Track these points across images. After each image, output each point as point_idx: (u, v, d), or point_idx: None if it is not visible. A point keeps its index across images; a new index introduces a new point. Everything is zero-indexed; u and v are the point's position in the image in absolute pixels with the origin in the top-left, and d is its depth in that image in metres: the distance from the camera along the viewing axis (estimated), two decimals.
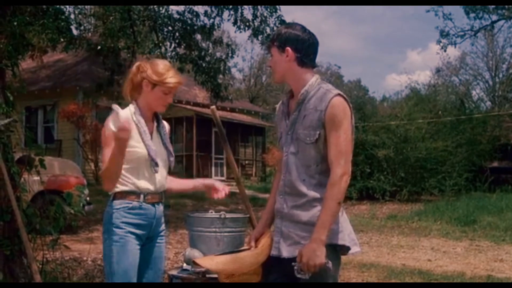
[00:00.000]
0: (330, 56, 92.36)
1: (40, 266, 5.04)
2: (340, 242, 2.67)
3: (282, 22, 14.44)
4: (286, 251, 2.67)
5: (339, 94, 2.65)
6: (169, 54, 16.32)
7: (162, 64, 3.25)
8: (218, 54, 17.84)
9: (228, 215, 3.02)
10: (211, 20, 15.07)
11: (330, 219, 2.56)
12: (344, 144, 2.61)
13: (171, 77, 3.21)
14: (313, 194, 2.65)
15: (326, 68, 49.89)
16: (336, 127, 2.60)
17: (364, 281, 7.07)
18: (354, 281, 7.01)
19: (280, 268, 2.68)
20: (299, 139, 2.70)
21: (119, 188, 3.06)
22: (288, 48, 2.71)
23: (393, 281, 7.03)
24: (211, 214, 3.17)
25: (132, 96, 3.26)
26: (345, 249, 2.72)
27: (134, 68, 3.27)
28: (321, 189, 2.64)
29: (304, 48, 2.73)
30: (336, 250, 2.69)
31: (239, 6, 14.40)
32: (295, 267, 2.57)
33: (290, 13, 36.19)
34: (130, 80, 3.25)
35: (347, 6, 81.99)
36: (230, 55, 16.44)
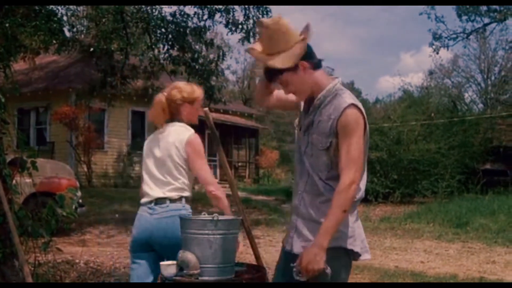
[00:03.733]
0: (323, 58, 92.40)
1: (32, 268, 5.01)
2: (349, 246, 2.68)
3: None
4: (297, 248, 2.71)
5: (352, 104, 2.64)
6: (162, 56, 16.30)
7: (185, 84, 3.80)
8: (211, 56, 17.80)
9: (221, 218, 3.01)
10: (202, 22, 15.05)
11: (333, 226, 2.57)
12: (354, 153, 2.60)
13: (199, 91, 3.79)
14: (328, 196, 2.65)
15: None
16: (347, 136, 2.61)
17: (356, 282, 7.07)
18: None
19: (290, 262, 2.69)
20: (313, 143, 2.72)
21: (188, 194, 3.72)
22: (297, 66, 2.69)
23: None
24: (204, 216, 3.16)
25: (164, 120, 3.81)
26: (356, 255, 2.74)
27: (162, 99, 3.74)
28: (333, 188, 2.65)
29: (308, 51, 2.72)
30: (348, 254, 2.71)
31: (230, 8, 14.36)
32: (294, 269, 2.59)
33: (286, 15, 36.10)
34: (163, 109, 3.75)
35: (342, 9, 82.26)
36: (221, 57, 16.39)
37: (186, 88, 3.75)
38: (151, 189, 3.69)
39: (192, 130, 3.80)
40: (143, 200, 3.71)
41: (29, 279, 4.05)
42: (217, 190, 3.64)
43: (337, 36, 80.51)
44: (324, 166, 2.70)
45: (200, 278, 2.93)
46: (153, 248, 3.61)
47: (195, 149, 3.78)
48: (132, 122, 22.49)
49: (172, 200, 3.64)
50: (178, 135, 3.75)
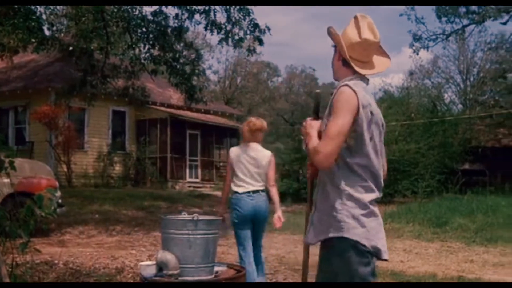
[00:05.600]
0: (305, 59, 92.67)
1: (10, 269, 4.95)
2: (354, 237, 2.64)
3: (255, 25, 14.44)
4: (311, 238, 2.77)
5: (346, 85, 2.69)
6: (143, 55, 16.22)
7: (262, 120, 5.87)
8: (193, 56, 17.75)
9: (201, 218, 3.00)
10: (182, 23, 15.00)
11: (308, 145, 2.68)
12: (333, 128, 2.59)
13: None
14: (330, 182, 2.69)
15: (301, 71, 50.06)
16: (334, 112, 2.63)
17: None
18: None
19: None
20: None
21: None
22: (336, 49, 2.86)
23: None
24: (184, 216, 3.15)
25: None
26: (374, 252, 2.69)
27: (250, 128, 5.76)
28: (334, 176, 2.67)
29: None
30: (356, 247, 2.65)
31: (211, 9, 14.33)
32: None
33: (265, 15, 36.26)
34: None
35: (324, 9, 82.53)
36: (198, 59, 16.38)
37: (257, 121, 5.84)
38: None
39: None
40: None
41: (7, 280, 4.00)
42: None
43: (319, 37, 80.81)
44: None
45: (179, 278, 2.92)
46: None
47: None
48: (113, 122, 22.34)
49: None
50: None
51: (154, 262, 3.01)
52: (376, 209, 2.73)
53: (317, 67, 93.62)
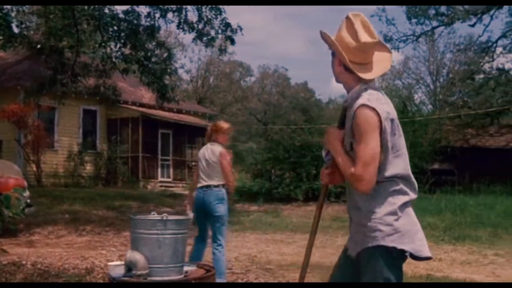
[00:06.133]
0: (278, 58, 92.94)
1: None
2: (391, 244, 2.65)
3: (227, 25, 14.43)
4: (352, 251, 2.77)
5: (363, 105, 2.64)
6: (114, 54, 16.09)
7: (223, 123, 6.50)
8: (165, 55, 17.66)
9: (170, 217, 3.00)
10: (154, 22, 14.92)
11: (339, 163, 2.71)
12: (364, 153, 2.59)
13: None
14: (358, 198, 2.71)
15: (273, 70, 50.14)
16: (359, 137, 2.63)
17: (307, 282, 7.12)
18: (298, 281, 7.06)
19: (349, 266, 2.79)
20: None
21: None
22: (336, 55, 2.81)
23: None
24: (153, 216, 3.14)
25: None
26: (403, 253, 2.69)
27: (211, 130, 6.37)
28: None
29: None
30: (390, 252, 2.66)
31: (183, 8, 14.28)
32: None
33: (237, 15, 36.27)
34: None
35: (295, 9, 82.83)
36: (169, 58, 16.31)
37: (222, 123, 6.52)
38: None
39: None
40: None
41: None
42: None
43: (290, 37, 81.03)
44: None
45: (148, 278, 2.91)
46: None
47: None
48: (84, 121, 22.12)
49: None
50: None
51: (123, 262, 2.99)
52: (409, 210, 2.75)
53: (289, 67, 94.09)
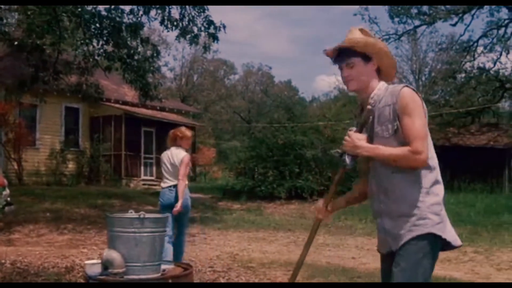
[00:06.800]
0: (261, 57, 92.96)
1: None
2: (438, 233, 2.75)
3: (210, 22, 14.39)
4: (394, 245, 2.79)
5: (406, 86, 2.78)
6: (97, 52, 15.96)
7: (188, 130, 7.24)
8: (148, 53, 17.56)
9: (148, 216, 2.99)
10: (138, 19, 14.82)
11: (380, 155, 2.74)
12: (419, 128, 2.70)
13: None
14: (402, 185, 2.75)
15: (257, 69, 50.20)
16: (409, 115, 2.71)
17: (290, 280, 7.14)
18: (279, 279, 7.08)
19: (389, 260, 2.81)
20: (378, 135, 2.80)
21: None
22: (373, 58, 2.87)
23: (317, 279, 7.13)
24: (130, 214, 3.13)
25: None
26: (445, 242, 2.80)
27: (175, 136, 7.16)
28: (407, 178, 2.74)
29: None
30: (436, 241, 2.76)
31: (166, 5, 14.22)
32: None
33: (223, 13, 36.17)
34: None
35: (280, 8, 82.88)
36: (155, 55, 16.22)
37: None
38: None
39: None
40: None
41: None
42: None
43: (274, 36, 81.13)
44: None
45: (125, 277, 2.90)
46: None
47: None
48: (66, 119, 21.96)
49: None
50: None
51: (100, 261, 2.98)
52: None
53: (273, 65, 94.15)
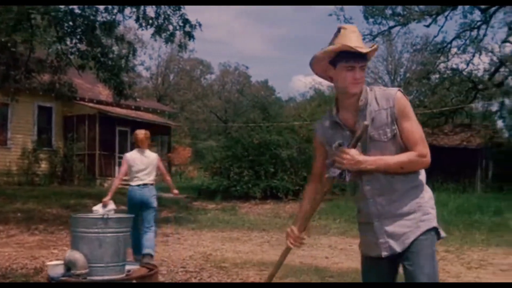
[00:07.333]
0: (238, 56, 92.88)
1: None
2: (436, 225, 2.83)
3: (186, 21, 14.33)
4: (398, 247, 2.78)
5: (399, 89, 2.82)
6: (70, 50, 15.77)
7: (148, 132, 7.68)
8: (124, 52, 17.40)
9: (111, 216, 2.95)
10: (112, 17, 14.68)
11: (388, 166, 2.73)
12: (419, 130, 2.78)
13: None
14: (403, 186, 2.78)
15: (234, 68, 50.12)
16: (408, 117, 2.76)
17: (262, 280, 7.13)
18: (252, 279, 7.06)
19: (390, 264, 2.85)
20: (374, 140, 2.77)
21: None
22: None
23: (289, 279, 7.13)
24: (94, 214, 3.08)
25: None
26: (439, 234, 2.88)
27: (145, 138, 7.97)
28: (408, 178, 2.79)
29: None
30: (437, 233, 2.85)
31: (141, 5, 14.12)
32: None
33: (199, 12, 36.07)
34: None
35: (257, 8, 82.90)
36: (131, 53, 16.08)
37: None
38: None
39: None
40: None
41: None
42: None
43: (251, 35, 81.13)
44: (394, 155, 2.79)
45: (88, 277, 2.85)
46: None
47: None
48: (39, 118, 21.70)
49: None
50: None
51: (62, 262, 2.92)
52: None
53: (250, 65, 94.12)
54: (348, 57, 2.78)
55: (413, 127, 2.75)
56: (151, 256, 7.43)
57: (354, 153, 2.71)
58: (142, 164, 7.61)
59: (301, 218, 3.02)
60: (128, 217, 3.13)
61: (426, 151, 2.75)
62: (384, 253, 2.83)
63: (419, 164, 2.76)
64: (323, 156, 2.98)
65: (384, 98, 2.78)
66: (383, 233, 2.82)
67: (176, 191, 8.07)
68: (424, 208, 2.80)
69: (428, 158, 2.75)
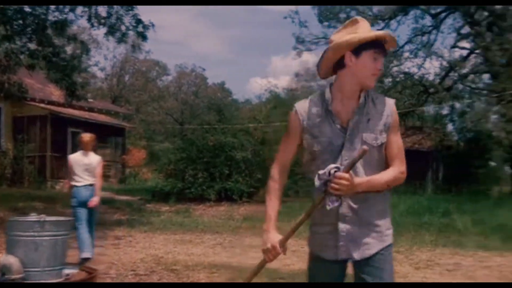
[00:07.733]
0: (195, 58, 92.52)
1: None
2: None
3: (138, 21, 14.20)
4: (357, 254, 2.69)
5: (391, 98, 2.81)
6: (20, 49, 15.41)
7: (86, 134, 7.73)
8: (78, 51, 17.11)
9: (48, 219, 2.88)
10: (64, 16, 14.43)
11: (374, 186, 2.64)
12: (402, 147, 2.75)
13: None
14: (375, 196, 2.70)
15: (190, 70, 49.83)
16: (397, 131, 2.75)
17: (213, 282, 7.10)
18: (203, 281, 7.03)
19: (342, 269, 2.77)
20: (366, 142, 2.65)
21: None
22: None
23: (240, 280, 7.12)
24: (30, 217, 3.01)
25: None
26: None
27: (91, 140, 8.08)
28: (386, 192, 2.75)
29: None
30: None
31: (93, 5, 13.94)
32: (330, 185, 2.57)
33: (155, 13, 35.77)
34: None
35: (214, 9, 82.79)
36: (84, 53, 15.84)
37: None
38: None
39: None
40: None
41: None
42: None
43: (208, 36, 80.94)
44: (373, 162, 2.69)
45: (24, 282, 2.78)
46: None
47: None
48: None
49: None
50: None
51: None
52: None
53: (207, 66, 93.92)
54: (379, 46, 2.67)
55: (400, 143, 2.73)
56: (89, 259, 7.43)
57: (350, 178, 2.56)
58: (84, 165, 8.03)
59: (274, 219, 2.92)
60: (66, 220, 3.06)
61: (405, 168, 2.74)
62: (341, 257, 2.75)
63: (400, 181, 2.73)
64: (295, 146, 2.84)
65: (382, 103, 2.73)
66: (345, 237, 2.71)
67: (96, 199, 7.93)
68: (388, 223, 2.76)
69: (405, 175, 2.74)
